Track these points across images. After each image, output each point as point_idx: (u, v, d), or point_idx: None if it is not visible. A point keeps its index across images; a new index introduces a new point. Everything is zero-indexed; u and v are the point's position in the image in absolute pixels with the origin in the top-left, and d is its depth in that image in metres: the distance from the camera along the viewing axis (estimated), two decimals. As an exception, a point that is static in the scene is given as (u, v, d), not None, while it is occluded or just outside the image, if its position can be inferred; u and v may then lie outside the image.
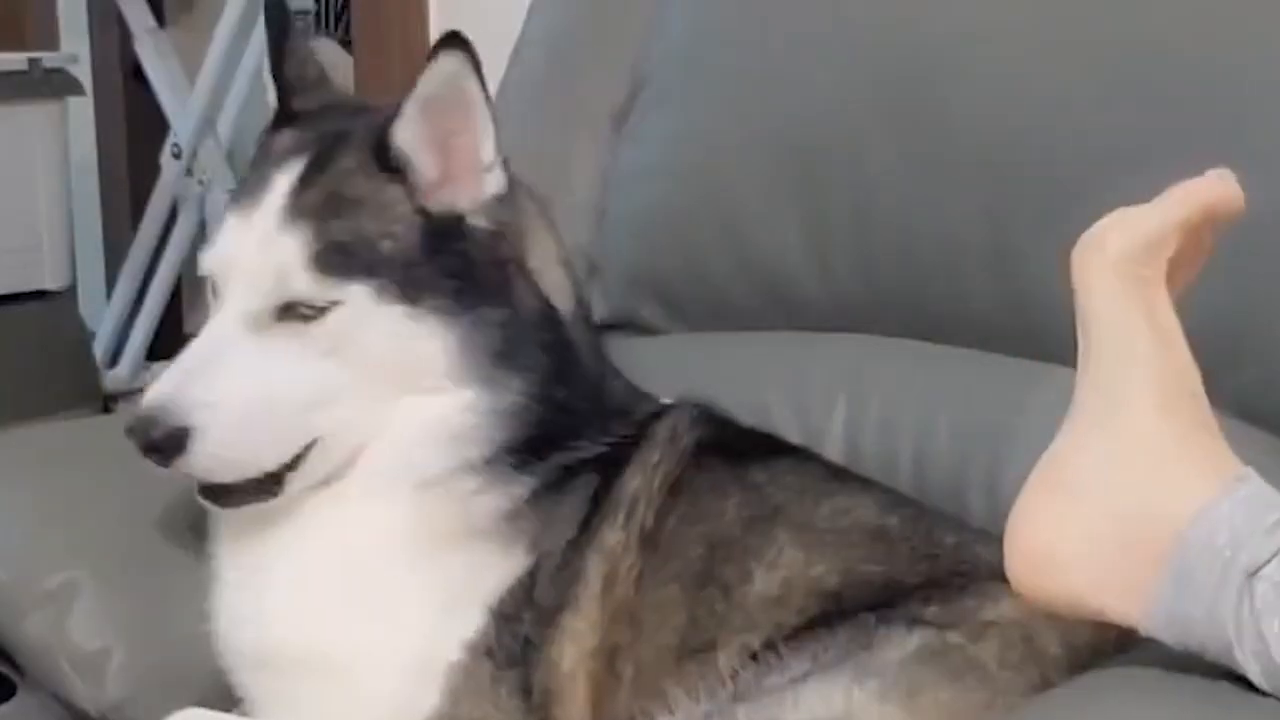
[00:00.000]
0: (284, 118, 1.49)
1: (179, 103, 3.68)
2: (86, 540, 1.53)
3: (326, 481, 1.40)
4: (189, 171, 3.64)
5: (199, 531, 1.47)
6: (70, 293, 3.38)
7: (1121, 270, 1.15)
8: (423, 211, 1.39)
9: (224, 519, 1.45)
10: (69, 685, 1.49)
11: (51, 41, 3.75)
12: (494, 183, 1.41)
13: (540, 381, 1.41)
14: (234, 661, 1.44)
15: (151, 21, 3.74)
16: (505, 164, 1.43)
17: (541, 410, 1.41)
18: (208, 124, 3.64)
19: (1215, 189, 1.18)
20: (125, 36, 3.79)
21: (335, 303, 1.36)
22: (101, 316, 3.81)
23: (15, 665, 1.54)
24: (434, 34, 2.54)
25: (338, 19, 4.00)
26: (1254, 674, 1.06)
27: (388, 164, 1.39)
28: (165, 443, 1.34)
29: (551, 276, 1.46)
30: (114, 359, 3.76)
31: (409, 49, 2.54)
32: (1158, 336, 1.15)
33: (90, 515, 1.54)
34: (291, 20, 1.53)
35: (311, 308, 1.36)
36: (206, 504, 1.41)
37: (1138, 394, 1.13)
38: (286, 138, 1.46)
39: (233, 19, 3.55)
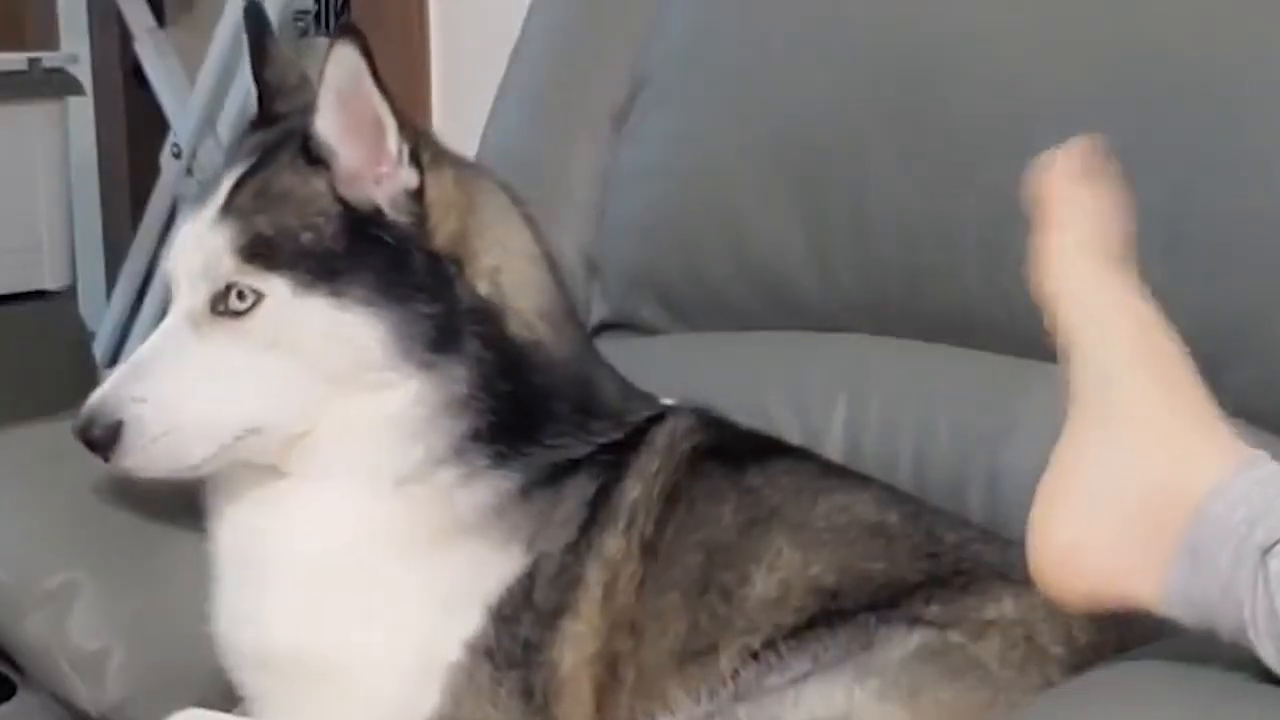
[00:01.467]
0: (263, 120, 1.51)
1: (179, 103, 3.67)
2: (86, 540, 1.53)
3: (255, 467, 1.41)
4: (189, 171, 3.64)
5: (199, 532, 1.47)
6: (70, 293, 3.37)
7: (1085, 259, 1.16)
8: (343, 203, 1.39)
9: (221, 517, 1.45)
10: (69, 685, 1.49)
11: (51, 41, 3.74)
12: (405, 177, 1.41)
13: (485, 373, 1.41)
14: (234, 661, 1.44)
15: (151, 21, 3.74)
16: (417, 158, 1.41)
17: (491, 401, 1.41)
18: (208, 124, 3.64)
19: (1084, 146, 1.20)
20: (125, 36, 3.79)
21: (260, 295, 1.37)
22: (101, 316, 3.80)
23: (15, 665, 1.54)
24: (434, 34, 2.54)
25: (338, 19, 4.00)
26: (1268, 654, 1.06)
27: (312, 156, 1.40)
28: (101, 438, 1.39)
29: (516, 272, 1.46)
30: (114, 359, 3.75)
31: (409, 49, 2.54)
32: (1133, 315, 1.16)
33: (90, 515, 1.54)
34: (270, 24, 1.54)
35: (242, 302, 1.37)
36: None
37: (1129, 376, 1.14)
38: (252, 140, 1.48)
39: (233, 19, 3.55)
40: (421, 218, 1.41)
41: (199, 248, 1.40)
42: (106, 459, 1.40)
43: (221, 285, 1.38)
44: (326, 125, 1.39)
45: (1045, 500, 1.15)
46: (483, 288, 1.43)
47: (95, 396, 1.40)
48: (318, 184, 1.40)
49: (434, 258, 1.41)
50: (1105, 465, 1.13)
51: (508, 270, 1.45)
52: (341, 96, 1.38)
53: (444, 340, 1.40)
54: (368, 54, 1.37)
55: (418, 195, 1.41)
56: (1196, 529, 1.08)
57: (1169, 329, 1.16)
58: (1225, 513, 1.08)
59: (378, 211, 1.40)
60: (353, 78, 1.38)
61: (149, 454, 1.39)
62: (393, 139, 1.40)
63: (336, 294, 1.37)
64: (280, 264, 1.37)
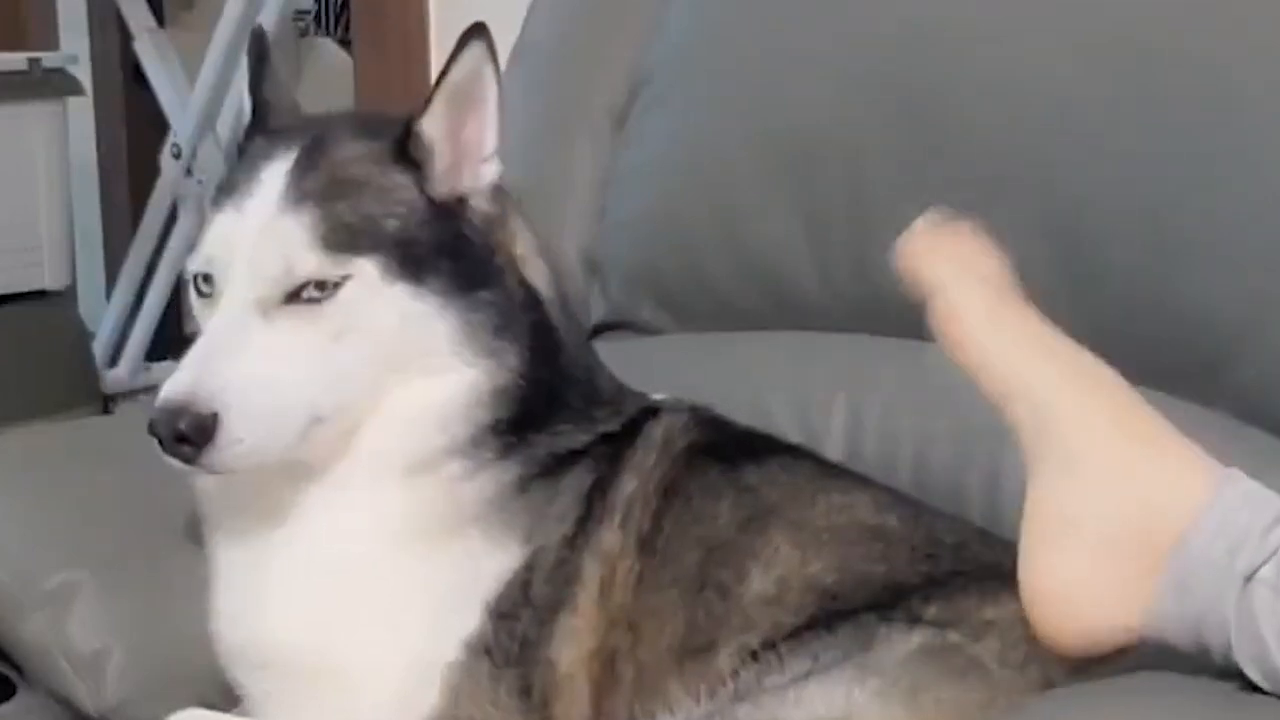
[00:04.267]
0: (258, 130, 1.50)
1: (179, 103, 3.67)
2: (86, 540, 1.53)
3: (313, 461, 1.40)
4: (189, 171, 3.64)
5: (198, 532, 1.47)
6: (70, 293, 3.38)
7: (992, 322, 1.18)
8: (427, 197, 1.41)
9: (221, 516, 1.45)
10: (69, 685, 1.49)
11: (51, 41, 3.75)
12: (492, 171, 1.44)
13: (530, 361, 1.42)
14: (234, 661, 1.44)
15: (151, 21, 3.74)
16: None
17: (528, 389, 1.42)
18: (208, 124, 3.64)
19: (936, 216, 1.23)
20: (125, 36, 3.80)
21: (346, 277, 1.36)
22: (101, 316, 3.80)
23: (15, 665, 1.54)
24: (434, 34, 2.54)
25: (338, 19, 4.01)
26: (1256, 678, 1.06)
27: (404, 153, 1.41)
28: (193, 431, 1.31)
29: (535, 264, 1.48)
30: (114, 359, 3.75)
31: (409, 49, 2.54)
32: (1053, 351, 1.17)
33: (90, 515, 1.54)
34: (269, 51, 1.54)
35: (321, 287, 1.36)
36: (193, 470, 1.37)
37: (1072, 415, 1.15)
38: (267, 140, 1.47)
39: (233, 19, 3.55)
40: (499, 210, 1.44)
41: (267, 237, 1.37)
42: (191, 459, 1.32)
43: (304, 273, 1.35)
44: (434, 124, 1.41)
45: (1029, 560, 1.16)
46: (520, 275, 1.45)
47: (179, 389, 1.31)
48: (398, 177, 1.41)
49: (493, 249, 1.43)
50: (1078, 512, 1.14)
51: (530, 261, 1.47)
52: (458, 95, 1.41)
53: (503, 328, 1.41)
54: (494, 53, 1.41)
55: (499, 188, 1.44)
56: (1178, 559, 1.09)
57: (1087, 351, 1.17)
58: (1206, 541, 1.08)
59: (460, 204, 1.42)
60: (474, 76, 1.41)
61: (242, 448, 1.32)
62: (494, 134, 1.43)
63: (417, 282, 1.38)
64: (365, 248, 1.37)
